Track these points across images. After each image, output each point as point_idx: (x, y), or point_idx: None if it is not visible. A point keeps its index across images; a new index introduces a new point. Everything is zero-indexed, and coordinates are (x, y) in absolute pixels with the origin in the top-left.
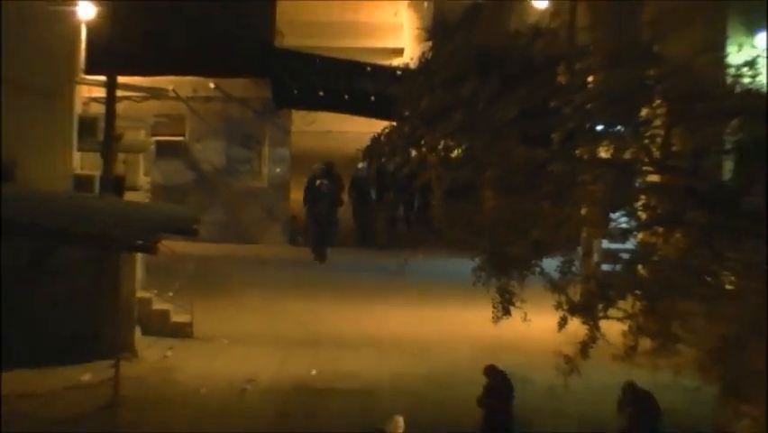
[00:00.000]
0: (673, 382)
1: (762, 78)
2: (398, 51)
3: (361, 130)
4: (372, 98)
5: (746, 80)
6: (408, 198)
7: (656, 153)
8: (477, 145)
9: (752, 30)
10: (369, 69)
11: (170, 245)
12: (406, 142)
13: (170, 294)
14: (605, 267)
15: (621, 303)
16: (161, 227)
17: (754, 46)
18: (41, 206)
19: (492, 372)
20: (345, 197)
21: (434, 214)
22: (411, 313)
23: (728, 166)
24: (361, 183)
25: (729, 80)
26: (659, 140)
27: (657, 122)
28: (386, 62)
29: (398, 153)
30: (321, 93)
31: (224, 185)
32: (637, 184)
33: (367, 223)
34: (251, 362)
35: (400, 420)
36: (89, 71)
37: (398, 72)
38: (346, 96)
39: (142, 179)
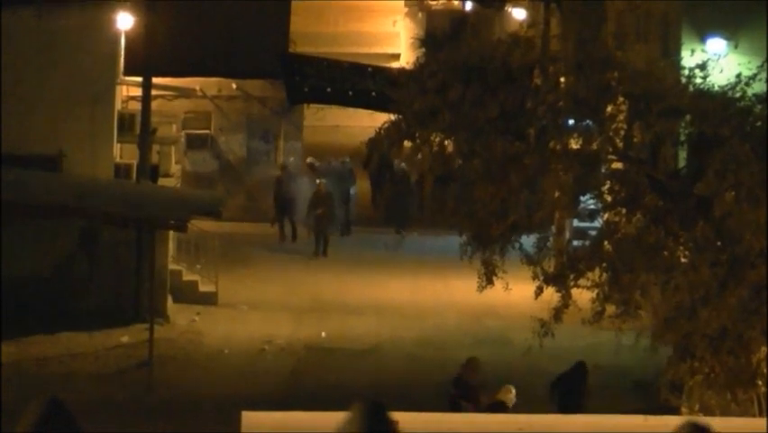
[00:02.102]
0: (635, 343)
1: (712, 80)
2: (396, 56)
3: (365, 125)
4: (373, 94)
5: (698, 81)
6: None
7: (619, 145)
8: (463, 140)
9: (703, 36)
10: (370, 69)
11: (198, 225)
12: (401, 137)
13: (198, 267)
14: (575, 243)
15: (589, 274)
16: (190, 209)
17: (704, 51)
18: (87, 190)
19: (472, 365)
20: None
21: (426, 199)
22: (406, 283)
23: (682, 156)
24: (345, 178)
25: (683, 81)
26: (622, 133)
27: (620, 118)
28: (385, 65)
29: (395, 146)
30: (328, 89)
31: (245, 173)
32: (603, 172)
33: (348, 216)
34: (268, 326)
35: (513, 390)
36: (127, 74)
37: (395, 72)
38: (350, 93)
39: (174, 167)
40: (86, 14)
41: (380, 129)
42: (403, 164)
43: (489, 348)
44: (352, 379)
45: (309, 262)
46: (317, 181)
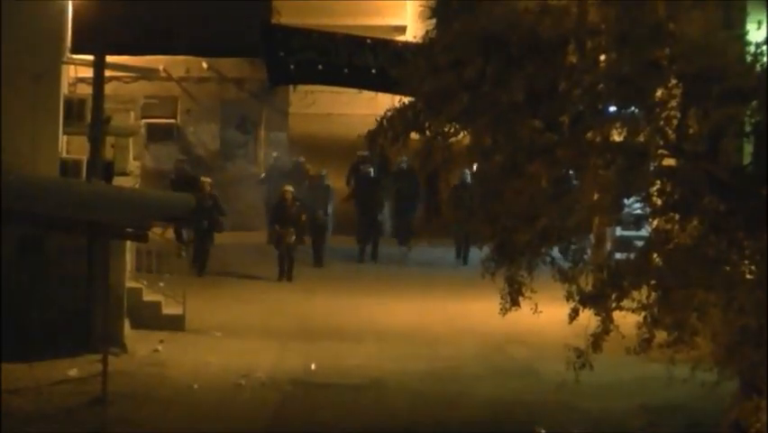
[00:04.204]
0: (690, 376)
1: None
2: (401, 29)
3: (363, 112)
4: (373, 71)
5: (766, 59)
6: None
7: (672, 136)
8: (482, 129)
9: None
10: (369, 41)
11: (162, 233)
12: (408, 128)
13: (161, 285)
14: (618, 255)
15: (635, 294)
16: (152, 214)
17: None
18: (26, 191)
19: None
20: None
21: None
22: (413, 304)
23: (748, 150)
24: (320, 194)
25: (748, 59)
26: (674, 122)
27: (672, 103)
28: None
29: (400, 140)
30: (320, 67)
31: (219, 170)
32: (652, 169)
33: (320, 240)
34: (246, 356)
35: None
36: (76, 50)
37: (401, 47)
38: (346, 71)
39: (132, 163)
40: None
41: (382, 119)
42: (371, 168)
43: (513, 383)
44: (348, 420)
45: (295, 277)
46: (285, 188)
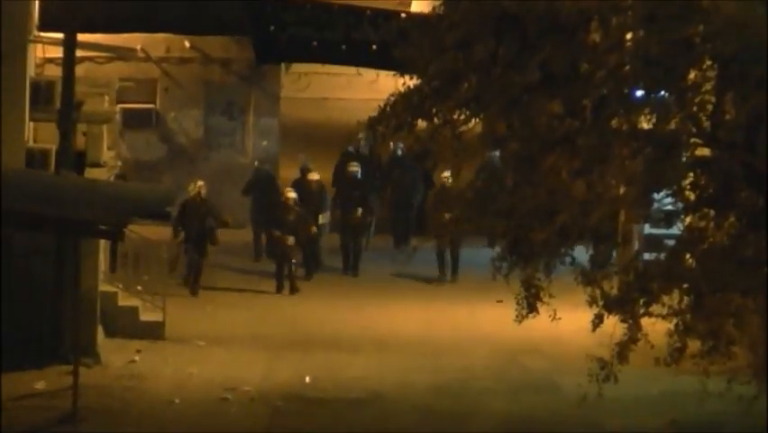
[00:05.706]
0: (726, 390)
1: None
2: (406, 3)
3: (364, 97)
4: (374, 47)
5: None
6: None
7: (706, 124)
8: (494, 115)
9: None
10: (369, 13)
11: (139, 230)
12: (413, 114)
13: (139, 288)
14: (646, 256)
15: (665, 298)
16: (129, 210)
17: None
18: None
19: None
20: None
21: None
22: (418, 310)
23: None
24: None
25: None
26: (709, 108)
27: (706, 87)
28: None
29: (405, 128)
30: (314, 43)
31: (202, 160)
32: (684, 159)
33: (315, 252)
34: (232, 367)
35: None
36: (44, 28)
37: (403, 18)
38: (343, 47)
39: (106, 153)
40: None
41: (385, 104)
42: (357, 169)
43: (530, 397)
44: None
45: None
46: (288, 194)
